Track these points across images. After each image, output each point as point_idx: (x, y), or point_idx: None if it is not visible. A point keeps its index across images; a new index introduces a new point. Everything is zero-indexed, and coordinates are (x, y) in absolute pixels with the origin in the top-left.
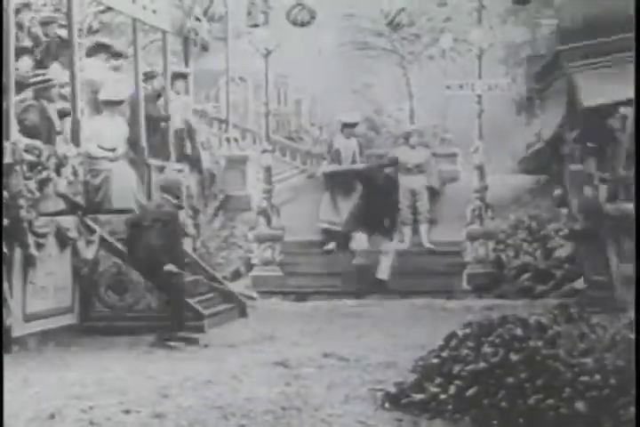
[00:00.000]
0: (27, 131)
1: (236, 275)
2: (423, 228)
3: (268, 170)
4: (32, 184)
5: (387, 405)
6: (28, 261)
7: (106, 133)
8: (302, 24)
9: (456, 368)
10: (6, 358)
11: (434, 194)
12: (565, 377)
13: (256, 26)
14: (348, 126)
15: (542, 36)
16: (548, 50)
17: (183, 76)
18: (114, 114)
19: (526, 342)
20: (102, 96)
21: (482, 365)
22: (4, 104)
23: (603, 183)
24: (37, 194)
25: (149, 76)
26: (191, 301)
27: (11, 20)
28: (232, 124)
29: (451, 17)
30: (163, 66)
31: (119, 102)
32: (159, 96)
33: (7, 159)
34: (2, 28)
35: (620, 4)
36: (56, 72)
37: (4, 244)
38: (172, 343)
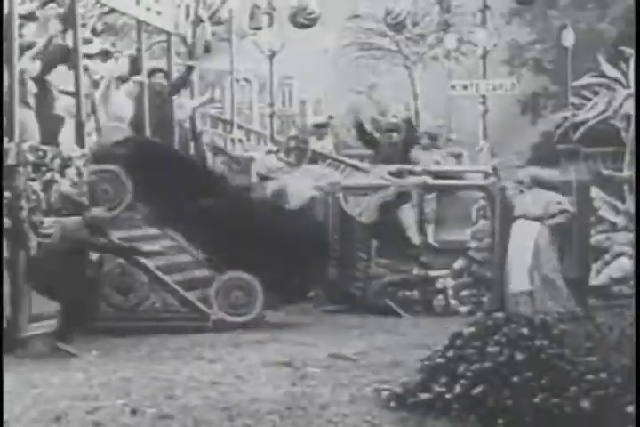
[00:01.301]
0: None
1: None
2: (430, 227)
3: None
4: (36, 185)
5: (392, 404)
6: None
7: None
8: (306, 26)
9: (461, 368)
10: (10, 359)
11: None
12: (571, 376)
13: (259, 29)
14: (318, 127)
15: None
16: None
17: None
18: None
19: (532, 341)
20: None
21: (487, 364)
22: (7, 104)
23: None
24: (42, 195)
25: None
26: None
27: (14, 20)
28: (237, 125)
29: (454, 18)
30: (167, 67)
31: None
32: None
33: (11, 160)
34: (2, 28)
35: None
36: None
37: (8, 245)
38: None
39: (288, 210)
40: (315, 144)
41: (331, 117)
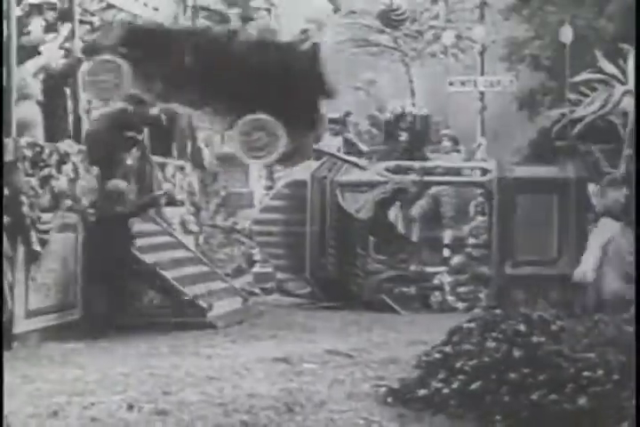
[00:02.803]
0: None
1: (239, 271)
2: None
3: (269, 166)
4: (34, 181)
5: (389, 400)
6: (31, 258)
7: None
8: None
9: (459, 363)
10: (7, 355)
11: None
12: (568, 372)
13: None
14: (333, 123)
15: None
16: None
17: None
18: None
19: (529, 338)
20: None
21: (485, 360)
22: (6, 100)
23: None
24: (39, 191)
25: None
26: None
27: (13, 19)
28: None
29: (453, 14)
30: None
31: None
32: None
33: (9, 156)
34: (2, 26)
35: None
36: None
37: (6, 240)
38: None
39: (277, 44)
40: (330, 141)
41: (348, 114)
